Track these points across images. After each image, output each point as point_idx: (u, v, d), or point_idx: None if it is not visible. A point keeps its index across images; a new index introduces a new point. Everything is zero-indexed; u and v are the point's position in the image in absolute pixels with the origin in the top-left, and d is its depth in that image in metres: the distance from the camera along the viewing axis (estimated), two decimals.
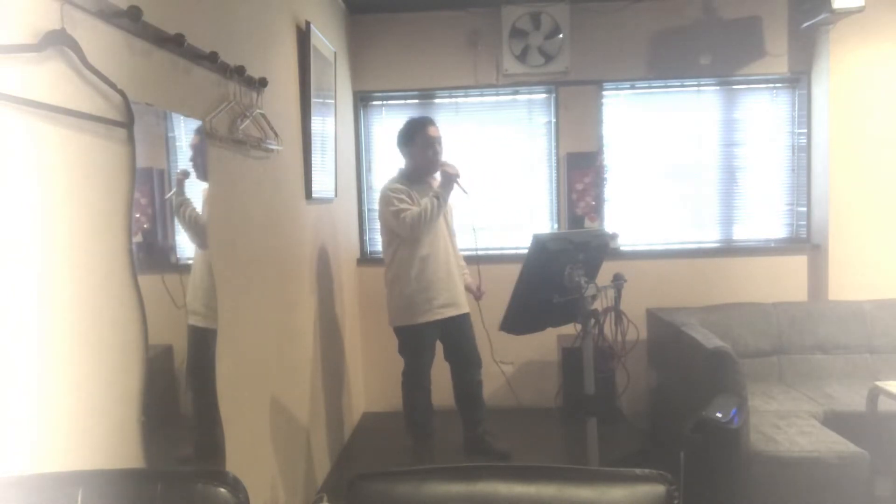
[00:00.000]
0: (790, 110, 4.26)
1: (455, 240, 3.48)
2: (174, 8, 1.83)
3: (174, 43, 1.76)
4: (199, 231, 1.92)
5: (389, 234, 3.33)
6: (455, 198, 3.38)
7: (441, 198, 3.20)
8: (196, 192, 1.92)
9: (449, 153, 3.42)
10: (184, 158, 1.86)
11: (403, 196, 3.24)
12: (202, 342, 1.93)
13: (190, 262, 1.89)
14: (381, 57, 4.30)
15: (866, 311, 3.74)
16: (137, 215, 1.58)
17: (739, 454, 2.70)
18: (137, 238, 1.58)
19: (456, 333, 3.40)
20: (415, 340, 3.34)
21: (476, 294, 3.52)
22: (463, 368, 3.48)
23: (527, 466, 1.18)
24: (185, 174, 1.84)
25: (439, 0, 4.12)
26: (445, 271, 3.30)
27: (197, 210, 1.91)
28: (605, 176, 4.23)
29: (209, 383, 1.96)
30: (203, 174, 1.96)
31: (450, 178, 3.22)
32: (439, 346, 3.47)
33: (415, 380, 3.42)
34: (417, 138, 3.31)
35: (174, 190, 1.79)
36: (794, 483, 2.70)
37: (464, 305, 3.39)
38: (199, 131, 1.93)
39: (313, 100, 3.16)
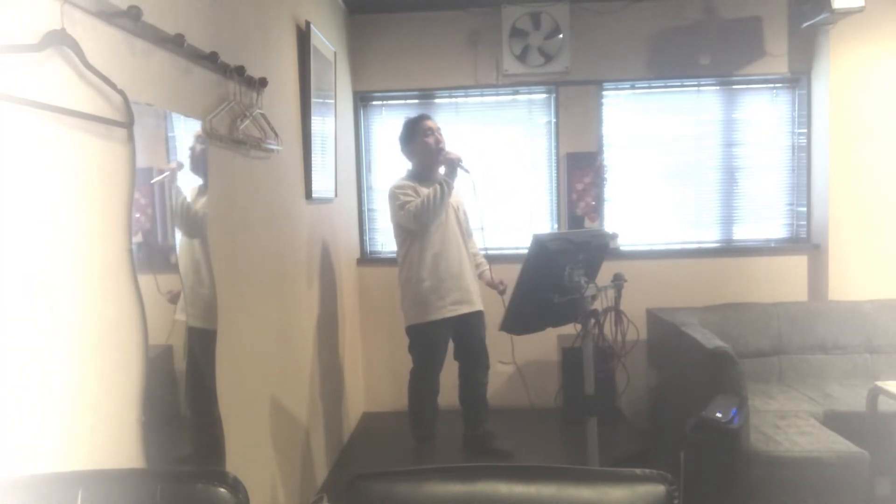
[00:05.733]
0: (790, 110, 4.26)
1: (468, 238, 3.47)
2: (174, 8, 1.83)
3: (174, 43, 1.76)
4: (191, 222, 1.91)
5: (401, 232, 3.33)
6: (467, 198, 3.46)
7: (446, 184, 3.20)
8: (187, 186, 1.91)
9: (451, 144, 3.45)
10: (184, 158, 1.86)
11: (409, 191, 3.26)
12: (200, 339, 1.93)
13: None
14: (381, 57, 4.30)
15: (866, 311, 3.74)
16: (137, 215, 1.58)
17: (739, 454, 2.70)
18: (137, 238, 1.58)
19: (467, 331, 3.39)
20: (426, 339, 3.32)
21: (498, 288, 3.41)
22: (471, 368, 3.48)
23: (527, 466, 1.18)
24: (180, 165, 1.83)
25: (439, 0, 4.12)
26: (458, 269, 3.29)
27: (188, 200, 1.91)
28: (605, 176, 4.22)
29: (209, 383, 1.96)
30: (200, 172, 1.95)
31: (452, 163, 3.23)
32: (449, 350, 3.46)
33: (423, 379, 3.40)
34: (416, 132, 3.34)
35: (165, 175, 1.76)
36: (794, 483, 2.69)
37: (477, 303, 3.36)
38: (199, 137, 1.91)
39: (313, 100, 3.16)
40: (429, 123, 3.36)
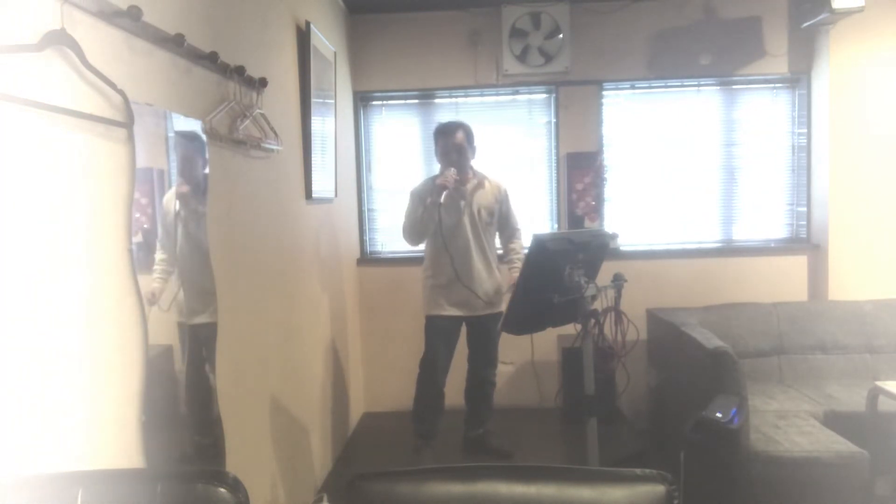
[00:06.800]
0: (790, 110, 4.26)
1: (488, 238, 3.43)
2: (174, 8, 1.83)
3: (174, 43, 1.76)
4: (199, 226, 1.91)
5: None
6: (508, 195, 3.56)
7: (427, 209, 3.26)
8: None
9: (481, 156, 3.52)
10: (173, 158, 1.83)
11: (416, 200, 3.36)
12: (200, 339, 1.93)
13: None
14: (381, 57, 4.30)
15: (866, 311, 3.74)
16: (137, 215, 1.58)
17: (739, 454, 2.70)
18: (137, 238, 1.58)
19: (475, 331, 3.47)
20: (431, 331, 3.43)
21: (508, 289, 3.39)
22: (476, 365, 3.54)
23: (527, 466, 1.18)
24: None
25: (439, 0, 4.12)
26: (465, 271, 3.32)
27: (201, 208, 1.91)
28: (605, 176, 4.23)
29: (209, 383, 1.96)
30: (184, 173, 1.91)
31: (438, 190, 3.24)
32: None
33: (426, 370, 3.45)
34: (438, 143, 3.40)
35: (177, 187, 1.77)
36: (794, 483, 2.69)
37: (485, 308, 3.38)
38: (182, 134, 1.88)
39: (313, 100, 3.16)
40: (450, 141, 3.31)
